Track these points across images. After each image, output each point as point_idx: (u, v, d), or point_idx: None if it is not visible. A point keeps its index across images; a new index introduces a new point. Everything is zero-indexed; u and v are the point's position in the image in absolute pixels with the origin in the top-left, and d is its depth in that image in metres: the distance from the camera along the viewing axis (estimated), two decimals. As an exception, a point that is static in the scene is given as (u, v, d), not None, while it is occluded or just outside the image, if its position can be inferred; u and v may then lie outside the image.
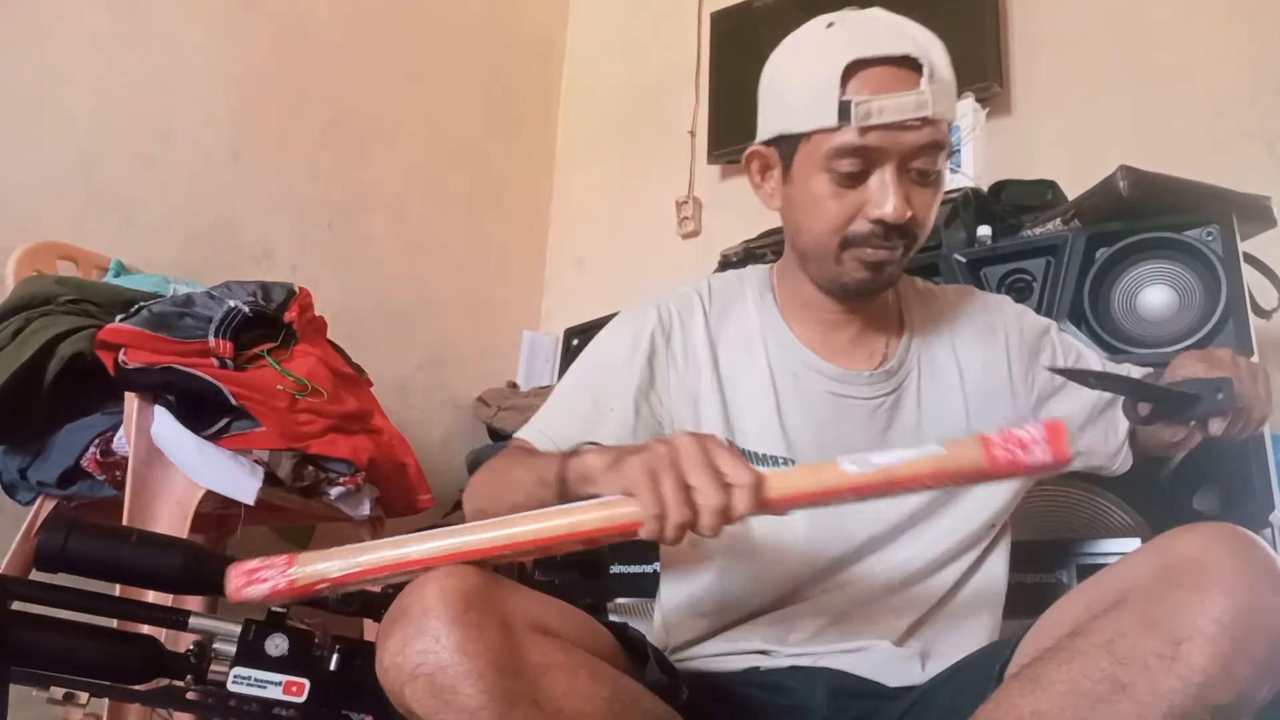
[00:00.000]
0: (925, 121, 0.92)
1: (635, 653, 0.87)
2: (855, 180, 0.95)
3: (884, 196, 0.93)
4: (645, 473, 0.72)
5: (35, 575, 1.00)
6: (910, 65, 0.92)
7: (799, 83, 0.97)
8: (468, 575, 0.72)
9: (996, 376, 1.08)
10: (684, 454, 0.72)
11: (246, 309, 1.56)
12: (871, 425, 1.04)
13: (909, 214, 0.94)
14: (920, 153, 0.94)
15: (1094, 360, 1.19)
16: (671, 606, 1.07)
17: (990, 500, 1.04)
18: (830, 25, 0.97)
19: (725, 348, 1.07)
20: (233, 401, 1.49)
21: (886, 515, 1.00)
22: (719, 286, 1.12)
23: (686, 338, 1.06)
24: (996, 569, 1.06)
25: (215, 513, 1.69)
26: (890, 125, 0.91)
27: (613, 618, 1.78)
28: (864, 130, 0.92)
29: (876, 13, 0.98)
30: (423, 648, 0.69)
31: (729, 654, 1.02)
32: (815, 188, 0.96)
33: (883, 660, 0.97)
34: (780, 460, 1.01)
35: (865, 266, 0.98)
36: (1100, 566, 1.38)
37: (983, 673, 0.81)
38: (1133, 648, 0.66)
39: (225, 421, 1.50)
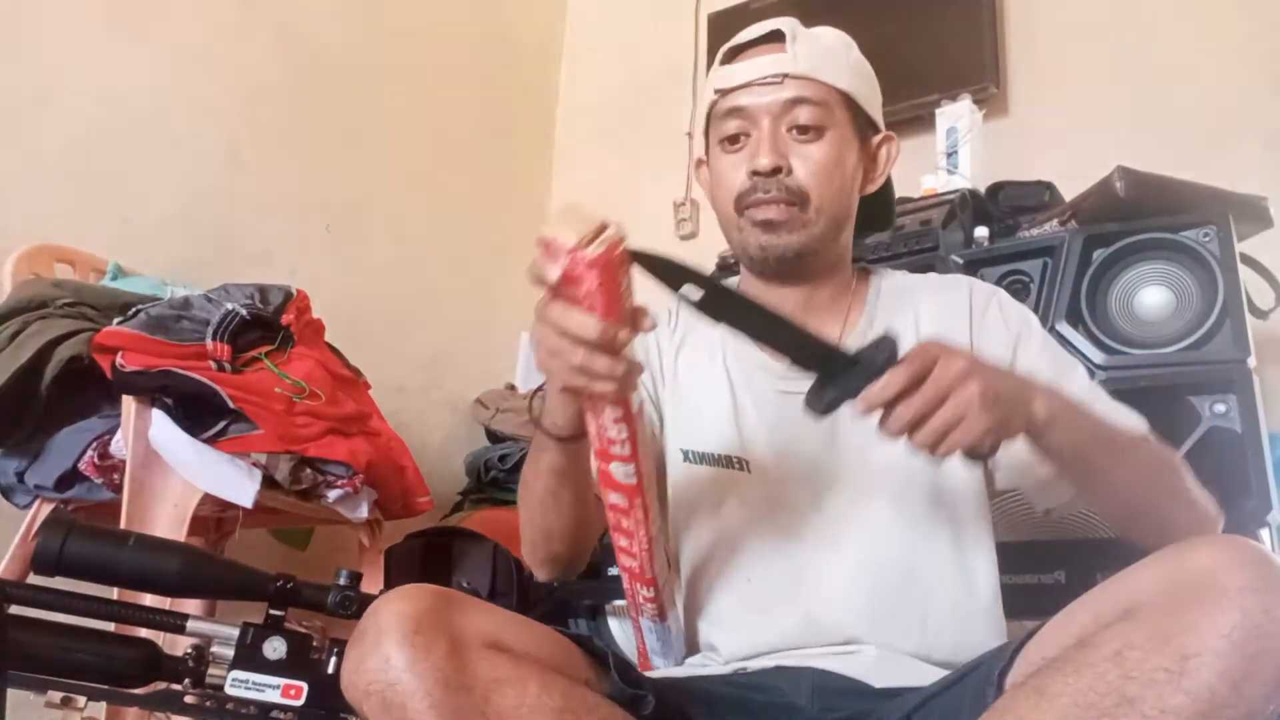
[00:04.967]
0: (788, 78, 1.01)
1: (605, 664, 0.88)
2: (738, 143, 1.04)
3: (756, 149, 1.01)
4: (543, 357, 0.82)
5: (32, 579, 1.00)
6: (776, 39, 1.03)
7: (705, 87, 1.10)
8: (422, 597, 0.77)
9: None
10: (544, 333, 0.81)
11: (244, 312, 1.56)
12: (818, 420, 1.00)
13: (776, 163, 1.00)
14: (789, 108, 1.01)
15: (1042, 343, 1.08)
16: (713, 618, 1.05)
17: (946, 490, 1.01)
18: None
19: (686, 358, 1.12)
20: (230, 404, 1.49)
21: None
22: None
23: (657, 349, 1.14)
24: (978, 566, 1.02)
25: (213, 515, 1.70)
26: (753, 84, 1.01)
27: (611, 620, 1.79)
28: (726, 91, 1.03)
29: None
30: (375, 667, 0.74)
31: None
32: (717, 163, 1.07)
33: (869, 661, 0.95)
34: (736, 462, 1.04)
35: (757, 227, 1.02)
36: (1097, 567, 1.39)
37: (983, 678, 0.80)
38: (1141, 662, 0.65)
39: (223, 424, 1.50)
